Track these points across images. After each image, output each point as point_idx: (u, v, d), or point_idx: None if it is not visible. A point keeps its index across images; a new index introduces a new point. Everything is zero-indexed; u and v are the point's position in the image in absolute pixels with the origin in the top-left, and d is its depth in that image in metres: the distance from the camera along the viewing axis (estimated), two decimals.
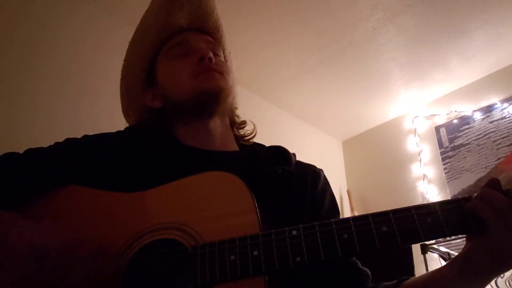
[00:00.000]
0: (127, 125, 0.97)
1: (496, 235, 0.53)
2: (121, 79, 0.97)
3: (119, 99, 0.99)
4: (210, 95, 0.84)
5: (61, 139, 0.85)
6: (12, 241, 0.59)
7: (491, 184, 0.57)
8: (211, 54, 0.86)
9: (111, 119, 1.06)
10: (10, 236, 0.60)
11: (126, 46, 0.96)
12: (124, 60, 0.96)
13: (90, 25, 2.10)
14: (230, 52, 1.02)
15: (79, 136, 0.86)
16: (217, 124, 0.89)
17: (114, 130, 0.91)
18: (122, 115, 1.00)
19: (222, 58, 0.95)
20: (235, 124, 0.97)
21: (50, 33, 1.94)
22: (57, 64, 1.91)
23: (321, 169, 0.92)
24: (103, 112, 1.91)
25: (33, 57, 1.84)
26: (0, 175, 0.74)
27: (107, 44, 2.10)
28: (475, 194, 0.57)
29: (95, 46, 2.08)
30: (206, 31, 0.96)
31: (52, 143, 0.84)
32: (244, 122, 0.99)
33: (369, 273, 0.79)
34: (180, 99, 0.86)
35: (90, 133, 0.87)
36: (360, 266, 0.80)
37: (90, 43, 2.07)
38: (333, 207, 0.86)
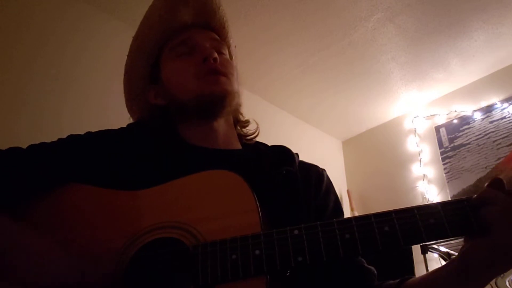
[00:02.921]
0: (122, 122, 0.96)
1: (499, 234, 0.53)
2: (124, 75, 0.95)
3: (117, 97, 0.98)
4: (216, 99, 0.83)
5: (59, 137, 0.84)
6: None
7: (493, 184, 0.56)
8: (215, 55, 0.85)
9: (108, 116, 1.05)
10: None
11: (126, 45, 0.95)
12: (128, 56, 0.94)
13: (84, 22, 2.10)
14: (236, 46, 1.01)
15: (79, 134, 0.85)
16: (221, 124, 0.88)
17: (112, 128, 0.89)
18: (119, 114, 0.99)
19: (227, 56, 0.93)
20: (239, 123, 0.96)
21: (51, 33, 1.94)
22: (56, 62, 1.91)
23: (324, 169, 0.92)
24: (103, 110, 1.92)
25: (35, 57, 1.84)
26: (2, 170, 0.73)
27: (110, 43, 2.10)
28: (476, 194, 0.57)
29: (89, 42, 2.08)
30: (211, 28, 0.95)
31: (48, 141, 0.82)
32: (247, 121, 0.98)
33: (375, 272, 0.79)
34: (184, 99, 0.85)
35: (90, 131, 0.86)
36: (366, 265, 0.79)
37: (88, 40, 2.07)
38: (338, 207, 0.86)
